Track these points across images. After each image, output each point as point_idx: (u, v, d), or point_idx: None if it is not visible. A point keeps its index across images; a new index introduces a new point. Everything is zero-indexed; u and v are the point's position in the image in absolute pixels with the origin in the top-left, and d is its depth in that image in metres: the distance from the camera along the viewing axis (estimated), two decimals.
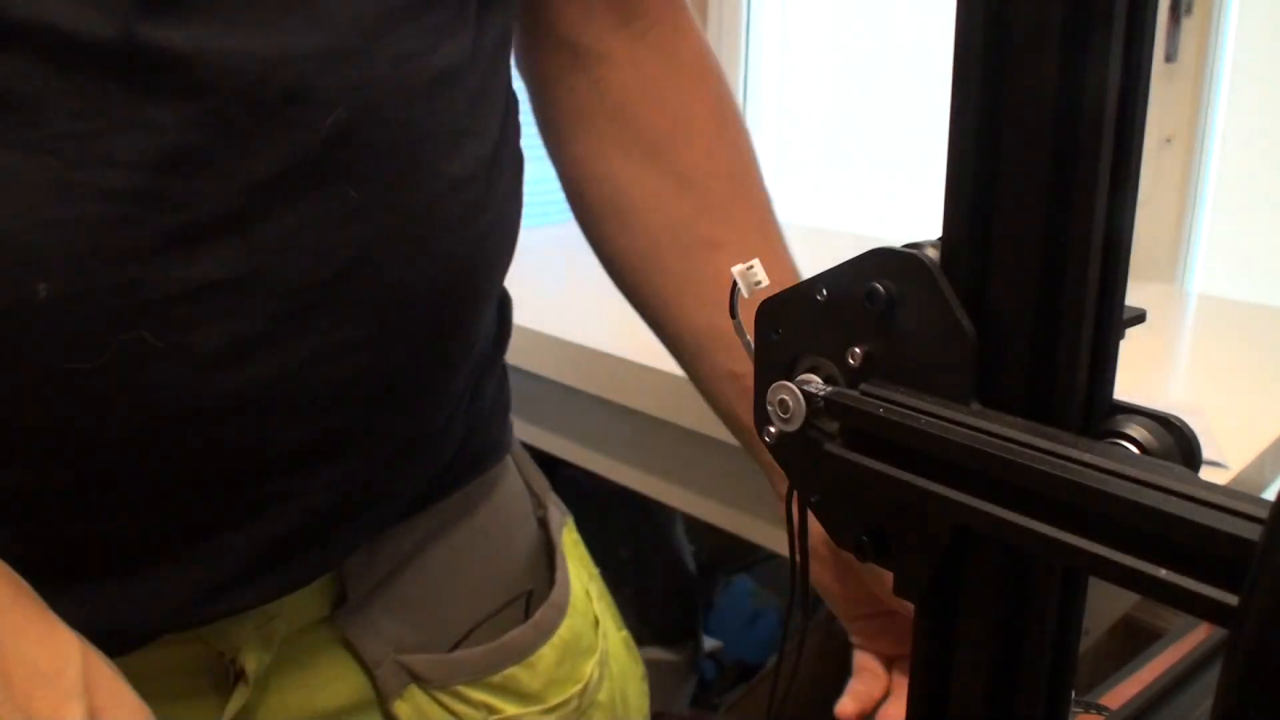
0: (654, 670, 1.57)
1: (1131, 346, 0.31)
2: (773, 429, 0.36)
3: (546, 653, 0.55)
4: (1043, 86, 0.28)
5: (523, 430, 1.39)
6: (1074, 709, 0.35)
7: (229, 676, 0.46)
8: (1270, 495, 0.22)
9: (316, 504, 0.45)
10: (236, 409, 0.41)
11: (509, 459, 0.59)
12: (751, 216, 0.58)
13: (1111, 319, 0.30)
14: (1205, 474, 0.27)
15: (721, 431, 1.12)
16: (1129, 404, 0.30)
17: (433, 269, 0.45)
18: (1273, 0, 1.43)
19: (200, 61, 0.37)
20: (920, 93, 1.80)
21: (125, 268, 0.37)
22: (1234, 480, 0.90)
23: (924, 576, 0.33)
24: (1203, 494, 0.24)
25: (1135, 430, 0.29)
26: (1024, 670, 0.32)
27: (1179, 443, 0.29)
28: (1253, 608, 0.21)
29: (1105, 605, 1.09)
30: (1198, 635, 0.64)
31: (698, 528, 1.47)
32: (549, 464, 1.50)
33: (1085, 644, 0.82)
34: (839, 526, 0.36)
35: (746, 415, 0.47)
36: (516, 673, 0.53)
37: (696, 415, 1.11)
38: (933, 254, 0.32)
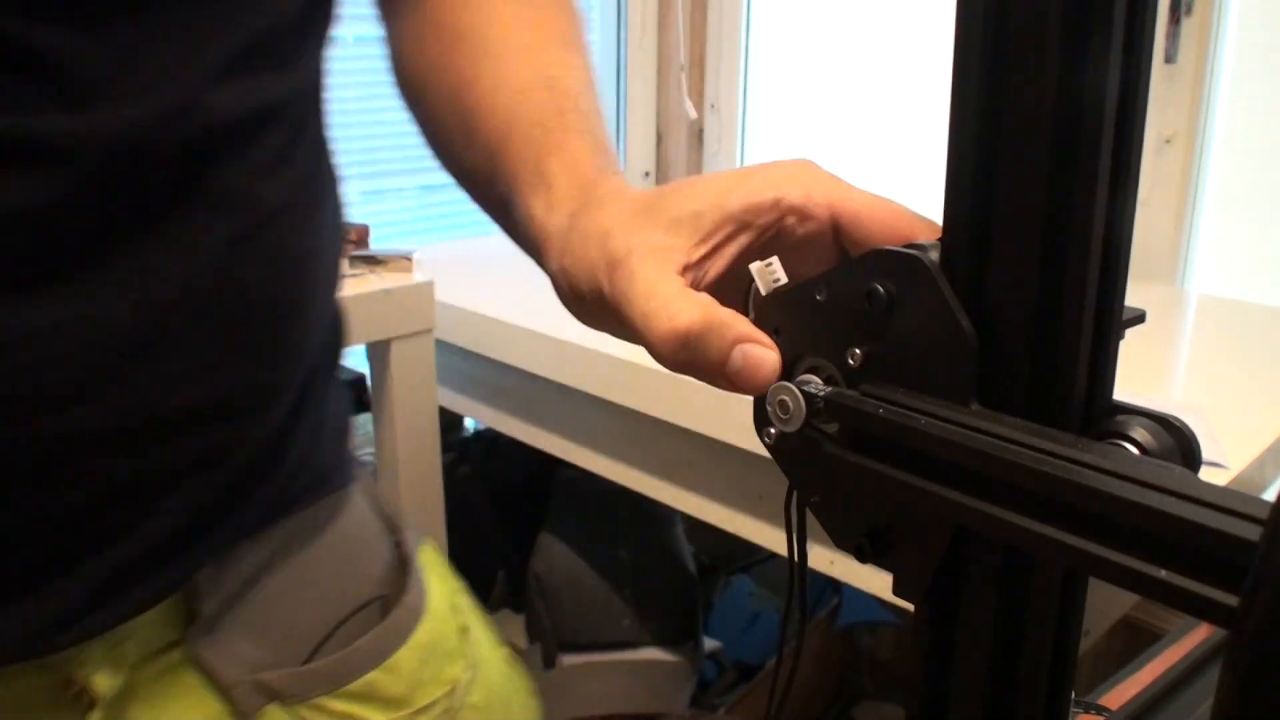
0: (654, 670, 1.57)
1: (1131, 346, 0.31)
2: (772, 430, 0.36)
3: (405, 655, 0.54)
4: (1043, 86, 0.28)
5: (523, 430, 1.39)
6: (1074, 709, 0.35)
7: (81, 702, 0.45)
8: (1270, 495, 0.22)
9: (160, 529, 0.45)
10: (72, 449, 0.41)
11: (354, 489, 0.58)
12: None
13: (1111, 319, 0.30)
14: (1205, 474, 0.27)
15: (721, 431, 1.12)
16: (1129, 404, 0.30)
17: (255, 295, 0.46)
18: (1273, 0, 1.43)
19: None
20: (920, 92, 1.80)
21: None
22: (1234, 480, 0.90)
23: (924, 576, 0.33)
24: (1203, 494, 0.24)
25: (1135, 431, 0.29)
26: (1024, 670, 0.32)
27: (1179, 443, 0.29)
28: (1253, 608, 0.21)
29: (1105, 605, 1.09)
30: (1198, 635, 0.64)
31: (698, 528, 1.47)
32: (549, 464, 1.51)
33: (1085, 644, 0.82)
34: (839, 527, 0.36)
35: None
36: (376, 677, 0.52)
37: (696, 415, 1.11)
38: (933, 254, 0.32)
